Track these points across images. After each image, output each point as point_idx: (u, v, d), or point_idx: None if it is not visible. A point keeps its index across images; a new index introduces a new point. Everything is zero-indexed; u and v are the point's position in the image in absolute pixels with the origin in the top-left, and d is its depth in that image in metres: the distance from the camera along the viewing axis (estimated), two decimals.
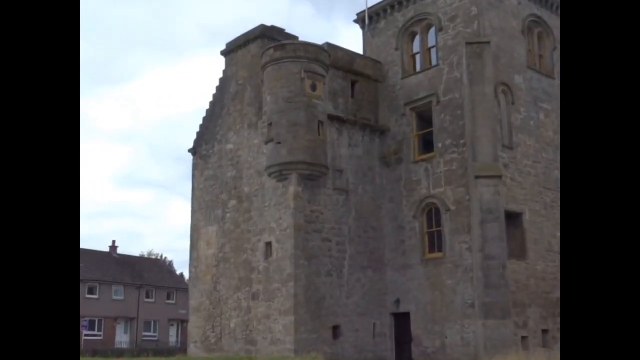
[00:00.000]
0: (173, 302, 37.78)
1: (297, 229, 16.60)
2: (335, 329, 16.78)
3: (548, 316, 16.33)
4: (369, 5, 19.59)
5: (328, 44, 18.11)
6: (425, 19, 18.32)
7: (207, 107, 20.27)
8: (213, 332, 18.38)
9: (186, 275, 38.81)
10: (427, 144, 18.62)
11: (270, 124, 17.04)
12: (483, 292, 15.10)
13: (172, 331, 37.22)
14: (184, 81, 67.60)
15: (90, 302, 32.06)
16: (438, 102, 17.91)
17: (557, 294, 16.54)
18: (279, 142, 16.62)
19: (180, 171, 67.76)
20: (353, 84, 18.88)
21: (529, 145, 17.48)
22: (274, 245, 17.01)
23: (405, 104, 18.76)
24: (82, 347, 24.28)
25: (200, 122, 20.48)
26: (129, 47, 68.61)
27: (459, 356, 16.01)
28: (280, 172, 16.79)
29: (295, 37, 18.26)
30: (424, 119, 18.64)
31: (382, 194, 18.87)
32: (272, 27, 18.14)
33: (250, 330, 17.20)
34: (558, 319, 16.32)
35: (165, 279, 38.51)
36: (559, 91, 17.80)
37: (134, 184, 68.46)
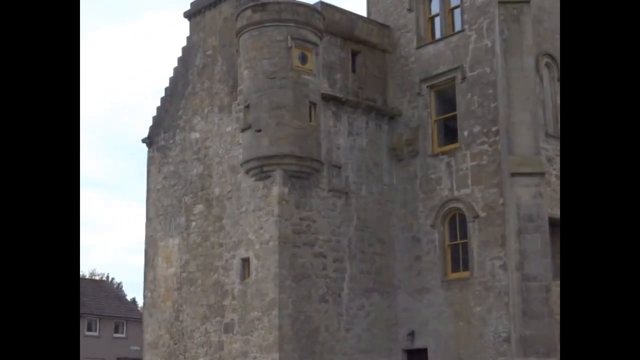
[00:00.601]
0: (123, 336, 37.00)
1: (282, 241, 16.49)
2: None
3: None
4: None
5: (322, 4, 17.84)
6: None
7: (167, 85, 20.09)
8: None
9: (140, 301, 38.15)
10: (449, 133, 18.45)
11: (247, 107, 16.92)
12: (522, 323, 14.76)
13: None
14: (135, 51, 65.44)
15: None
16: (464, 78, 17.65)
17: None
18: (259, 130, 16.57)
19: (132, 168, 65.78)
20: (354, 55, 18.66)
21: None
22: (253, 262, 16.91)
23: (422, 81, 18.54)
24: None
25: (158, 104, 20.21)
26: None
27: None
28: (260, 168, 16.80)
29: None
30: (446, 100, 18.41)
31: (392, 196, 18.78)
32: None
33: None
34: None
35: (112, 307, 37.65)
36: None
37: None
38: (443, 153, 18.04)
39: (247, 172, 17.08)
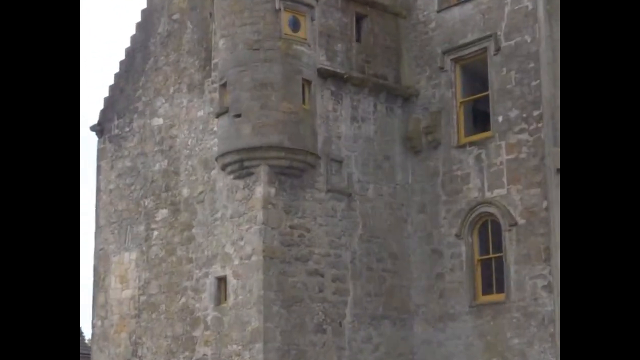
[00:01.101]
0: None
1: (268, 256, 16.31)
2: None
3: None
4: None
5: None
6: None
7: (121, 58, 19.93)
8: None
9: (87, 332, 35.95)
10: (479, 118, 18.27)
11: (224, 85, 16.76)
12: None
13: None
14: (82, 14, 60.55)
15: None
16: (498, 49, 17.31)
17: None
18: (239, 115, 16.37)
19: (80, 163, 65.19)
20: (359, 20, 18.48)
21: None
22: (231, 282, 16.71)
23: (445, 53, 18.30)
24: None
25: (111, 81, 20.08)
26: None
27: None
28: (240, 163, 16.57)
29: None
30: (475, 76, 18.14)
31: (407, 199, 18.68)
32: None
33: None
34: None
35: None
36: None
37: None
38: (471, 144, 17.80)
39: (223, 168, 16.92)
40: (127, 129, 19.41)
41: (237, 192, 16.85)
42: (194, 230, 17.66)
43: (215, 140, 17.19)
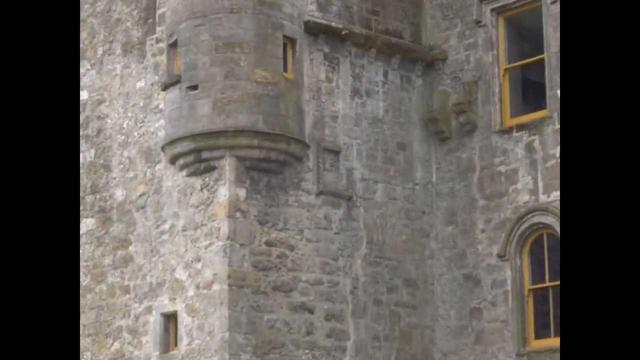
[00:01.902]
0: None
1: (236, 284, 16.12)
2: None
3: None
4: None
5: None
6: None
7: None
8: None
9: None
10: (531, 92, 18.24)
11: (174, 45, 16.69)
12: None
13: None
14: None
15: None
16: None
17: None
18: (195, 87, 16.33)
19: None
20: None
21: None
22: (185, 321, 16.55)
23: (483, 0, 18.20)
24: None
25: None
26: None
27: None
28: (197, 154, 16.47)
29: None
30: (525, 34, 18.17)
31: (430, 204, 18.65)
32: None
33: None
34: None
35: None
36: None
37: None
38: (520, 127, 17.64)
39: (173, 160, 16.81)
40: None
41: (193, 194, 16.73)
42: (131, 248, 17.53)
43: (162, 122, 17.09)
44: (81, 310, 17.98)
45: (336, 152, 17.53)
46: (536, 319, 17.13)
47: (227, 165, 16.28)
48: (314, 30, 17.29)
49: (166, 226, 17.08)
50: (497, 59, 18.08)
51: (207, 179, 16.55)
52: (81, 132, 18.67)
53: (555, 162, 17.02)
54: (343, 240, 17.38)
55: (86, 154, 18.48)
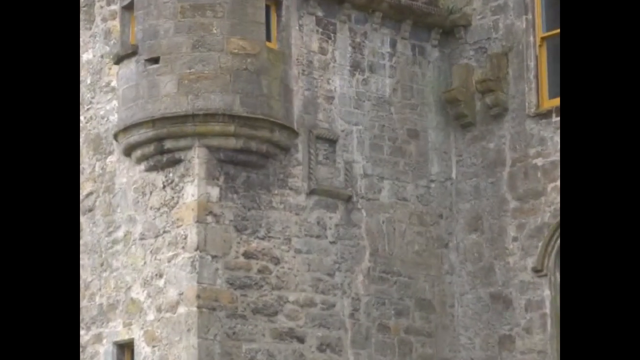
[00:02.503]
0: None
1: (207, 305, 16.15)
2: None
3: None
4: None
5: None
6: None
7: None
8: None
9: None
10: None
11: (129, 8, 16.79)
12: None
13: None
14: None
15: None
16: None
17: None
18: (156, 60, 16.41)
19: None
20: None
21: None
22: (143, 351, 16.60)
23: None
24: None
25: None
26: None
27: None
28: (159, 144, 16.52)
29: None
30: None
31: (450, 206, 18.82)
32: None
33: None
34: None
35: None
36: None
37: None
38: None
39: (128, 152, 16.91)
40: None
41: (153, 194, 16.83)
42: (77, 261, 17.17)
43: (115, 103, 17.18)
44: None
45: (332, 142, 17.54)
46: None
47: (196, 158, 16.28)
48: None
49: (120, 234, 17.10)
50: (532, 25, 18.10)
51: (170, 175, 16.56)
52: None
53: None
54: (341, 251, 17.41)
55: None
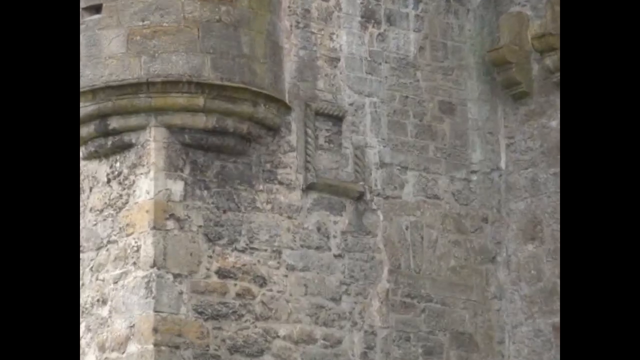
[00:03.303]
0: None
1: (167, 340, 16.28)
2: None
3: None
4: None
5: None
6: None
7: None
8: None
9: None
10: None
11: None
12: None
13: None
14: None
15: None
16: None
17: None
18: (97, 9, 16.71)
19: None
20: None
21: None
22: None
23: None
24: None
25: None
26: None
27: None
28: (102, 122, 16.78)
29: None
30: None
31: (498, 207, 19.16)
32: None
33: None
34: None
35: None
36: None
37: None
38: None
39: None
40: None
41: (94, 190, 17.03)
42: None
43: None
44: None
45: (337, 119, 17.63)
46: None
47: (152, 141, 16.41)
48: None
49: None
50: None
51: (117, 165, 16.73)
52: None
53: None
54: (349, 267, 17.42)
55: None
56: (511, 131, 19.00)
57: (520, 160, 18.86)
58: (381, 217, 17.83)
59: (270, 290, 16.78)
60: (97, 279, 16.68)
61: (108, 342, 16.39)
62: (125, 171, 16.67)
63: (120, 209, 16.64)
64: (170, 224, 16.30)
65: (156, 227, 16.25)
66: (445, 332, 18.02)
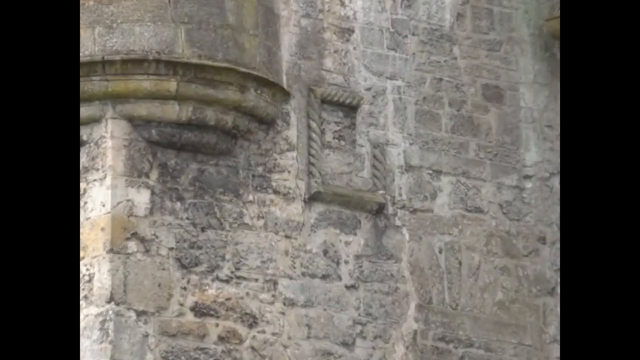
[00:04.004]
0: None
1: None
2: None
3: None
4: None
5: None
6: None
7: None
8: None
9: None
10: None
11: None
12: None
13: None
14: None
15: None
16: None
17: None
18: None
19: None
20: None
21: None
22: None
23: None
24: None
25: None
26: None
27: None
28: None
29: None
30: None
31: (554, 221, 19.16)
32: None
33: None
34: None
35: None
36: None
37: None
38: None
39: None
40: None
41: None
42: None
43: None
44: None
45: (350, 108, 17.68)
46: None
47: (109, 138, 16.59)
48: None
49: None
50: None
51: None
52: None
53: None
54: (366, 301, 17.49)
55: None
56: None
57: None
58: (407, 237, 17.86)
59: (263, 331, 16.87)
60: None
61: None
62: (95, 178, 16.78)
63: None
64: (133, 246, 16.43)
65: (114, 250, 16.36)
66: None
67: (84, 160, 16.76)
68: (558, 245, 18.97)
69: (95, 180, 16.58)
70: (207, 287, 16.63)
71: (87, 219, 16.57)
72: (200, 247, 16.69)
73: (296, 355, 17.10)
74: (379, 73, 18.06)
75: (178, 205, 16.66)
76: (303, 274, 17.15)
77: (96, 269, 16.36)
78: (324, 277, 17.27)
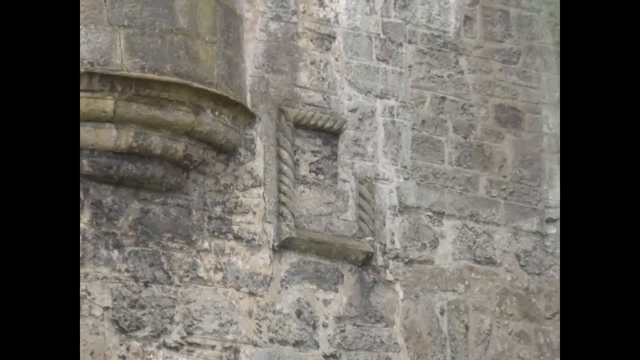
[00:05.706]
0: None
1: None
2: None
3: None
4: None
5: None
6: None
7: None
8: None
9: None
10: None
11: None
12: None
13: None
14: None
15: None
16: None
17: None
18: None
19: None
20: None
21: None
22: None
23: None
24: None
25: None
26: None
27: None
28: None
29: None
30: None
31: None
32: None
33: None
34: None
35: None
36: None
37: None
38: None
39: None
40: None
41: None
42: None
43: None
44: None
45: (331, 134, 17.19)
46: None
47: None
48: None
49: None
50: None
51: None
52: None
53: None
54: None
55: None
56: None
57: None
58: (401, 294, 17.42)
59: None
60: None
61: None
62: None
63: None
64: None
65: None
66: None
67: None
68: None
69: None
70: (151, 356, 16.21)
71: None
72: (143, 307, 16.24)
73: None
74: (366, 90, 17.64)
75: (115, 254, 16.10)
76: (271, 340, 16.79)
77: None
78: (297, 343, 16.92)
